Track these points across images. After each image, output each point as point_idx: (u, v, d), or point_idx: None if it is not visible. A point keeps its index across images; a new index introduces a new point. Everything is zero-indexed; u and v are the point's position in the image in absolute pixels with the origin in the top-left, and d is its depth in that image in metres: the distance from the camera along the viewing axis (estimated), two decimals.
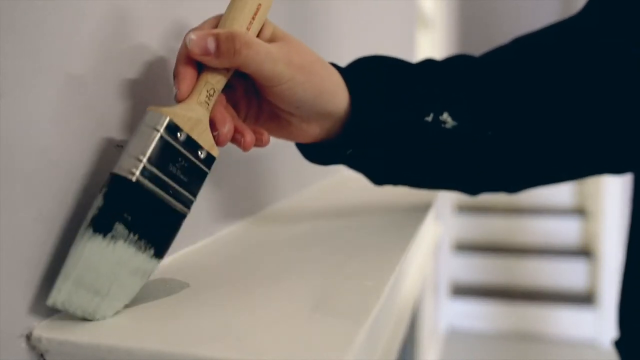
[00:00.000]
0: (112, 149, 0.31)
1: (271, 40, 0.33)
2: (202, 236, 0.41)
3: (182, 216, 0.29)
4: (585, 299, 2.47)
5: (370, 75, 0.39)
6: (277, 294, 0.30)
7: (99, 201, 0.26)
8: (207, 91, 0.30)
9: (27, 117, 0.25)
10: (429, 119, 0.40)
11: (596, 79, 0.41)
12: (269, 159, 0.53)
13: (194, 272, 0.34)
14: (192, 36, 0.29)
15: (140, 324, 0.27)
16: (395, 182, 0.45)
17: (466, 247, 2.72)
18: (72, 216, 0.28)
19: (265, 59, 0.30)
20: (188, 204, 0.30)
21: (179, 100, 0.29)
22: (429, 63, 0.43)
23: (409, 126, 0.39)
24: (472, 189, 0.47)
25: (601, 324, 2.37)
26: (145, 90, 0.34)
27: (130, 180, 0.26)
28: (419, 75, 0.41)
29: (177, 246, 0.38)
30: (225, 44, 0.29)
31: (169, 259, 0.36)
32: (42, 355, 0.26)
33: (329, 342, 0.24)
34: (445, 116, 0.40)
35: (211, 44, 0.29)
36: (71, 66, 0.28)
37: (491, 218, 2.76)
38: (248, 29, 0.31)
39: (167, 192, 0.28)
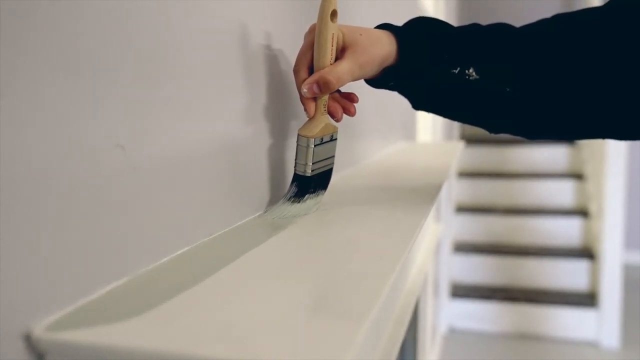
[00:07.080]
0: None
1: (343, 48, 0.48)
2: (201, 236, 0.41)
3: (332, 169, 0.54)
4: (586, 299, 2.47)
5: (418, 37, 0.51)
6: (277, 294, 0.30)
7: (293, 188, 0.50)
8: (323, 105, 0.50)
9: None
10: (455, 71, 0.51)
11: (613, 62, 0.48)
12: (270, 161, 0.53)
13: (196, 271, 0.34)
14: (305, 89, 0.48)
15: (139, 324, 0.27)
16: (428, 110, 0.57)
17: (466, 247, 2.72)
18: (69, 216, 0.28)
19: (348, 78, 0.48)
20: (333, 161, 0.53)
21: (310, 117, 0.50)
22: (471, 26, 0.53)
23: (437, 74, 0.51)
24: (492, 128, 0.57)
25: (602, 325, 2.37)
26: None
27: (308, 176, 0.50)
28: (458, 35, 0.52)
29: (174, 248, 0.38)
30: (324, 87, 0.47)
31: (167, 259, 0.36)
32: (42, 355, 0.26)
33: (329, 342, 0.24)
34: (471, 71, 0.51)
35: (316, 90, 0.48)
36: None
37: (491, 218, 2.76)
38: (332, 54, 0.47)
39: (325, 166, 0.52)
